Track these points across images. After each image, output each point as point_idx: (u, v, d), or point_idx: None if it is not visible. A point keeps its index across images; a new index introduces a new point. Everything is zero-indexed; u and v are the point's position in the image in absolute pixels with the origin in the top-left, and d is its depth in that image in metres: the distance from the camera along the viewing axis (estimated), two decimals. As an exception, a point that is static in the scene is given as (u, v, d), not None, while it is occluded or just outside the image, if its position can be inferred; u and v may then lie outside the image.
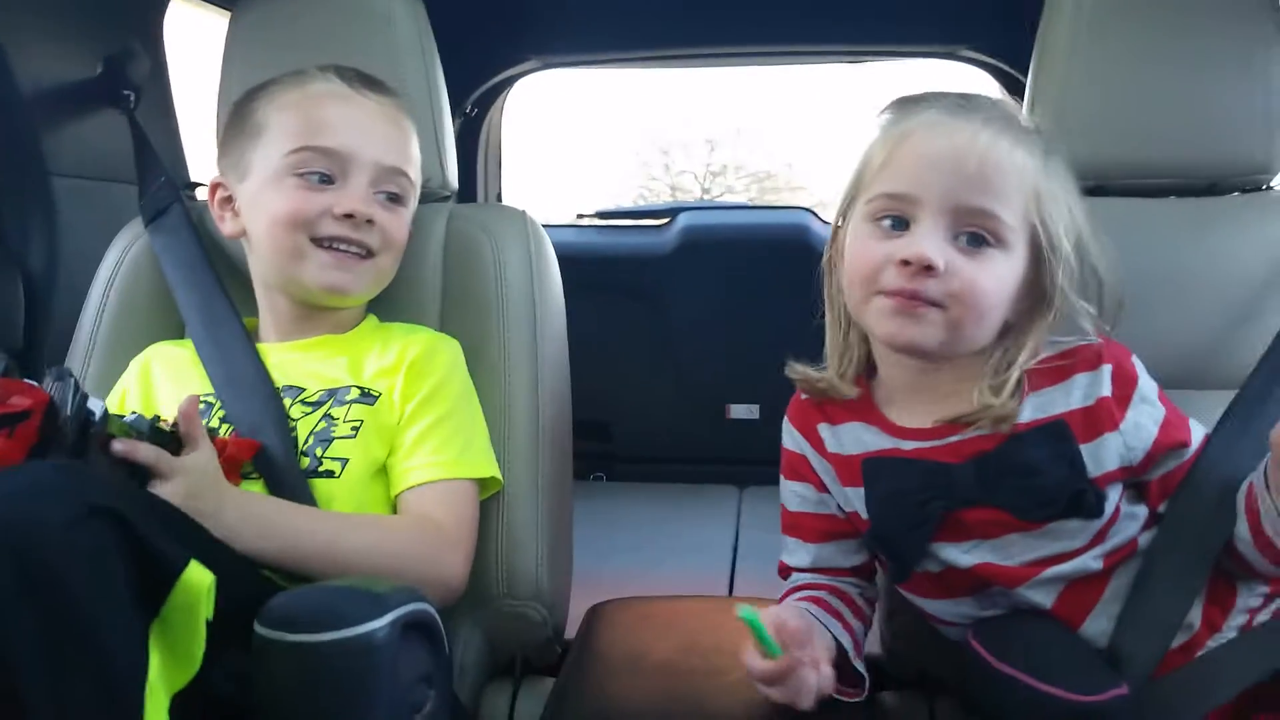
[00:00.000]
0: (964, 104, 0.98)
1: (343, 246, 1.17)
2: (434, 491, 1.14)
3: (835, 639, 1.03)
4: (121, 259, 1.34)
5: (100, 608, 0.75)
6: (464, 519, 1.15)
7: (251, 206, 1.20)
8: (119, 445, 0.94)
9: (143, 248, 1.33)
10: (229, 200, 1.23)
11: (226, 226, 1.23)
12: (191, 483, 0.97)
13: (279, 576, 1.02)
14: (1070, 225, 0.99)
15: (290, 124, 1.18)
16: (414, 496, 1.14)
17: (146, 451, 0.96)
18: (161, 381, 1.21)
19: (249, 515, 1.01)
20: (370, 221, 1.17)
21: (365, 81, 1.22)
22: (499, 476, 1.20)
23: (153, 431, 0.99)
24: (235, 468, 1.08)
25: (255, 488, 1.10)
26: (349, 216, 1.15)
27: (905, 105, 1.01)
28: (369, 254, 1.19)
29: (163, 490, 0.95)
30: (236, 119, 1.23)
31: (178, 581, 0.79)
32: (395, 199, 1.21)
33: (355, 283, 1.19)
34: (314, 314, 1.22)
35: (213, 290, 1.25)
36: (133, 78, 1.61)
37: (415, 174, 1.24)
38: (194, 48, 1.81)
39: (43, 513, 0.74)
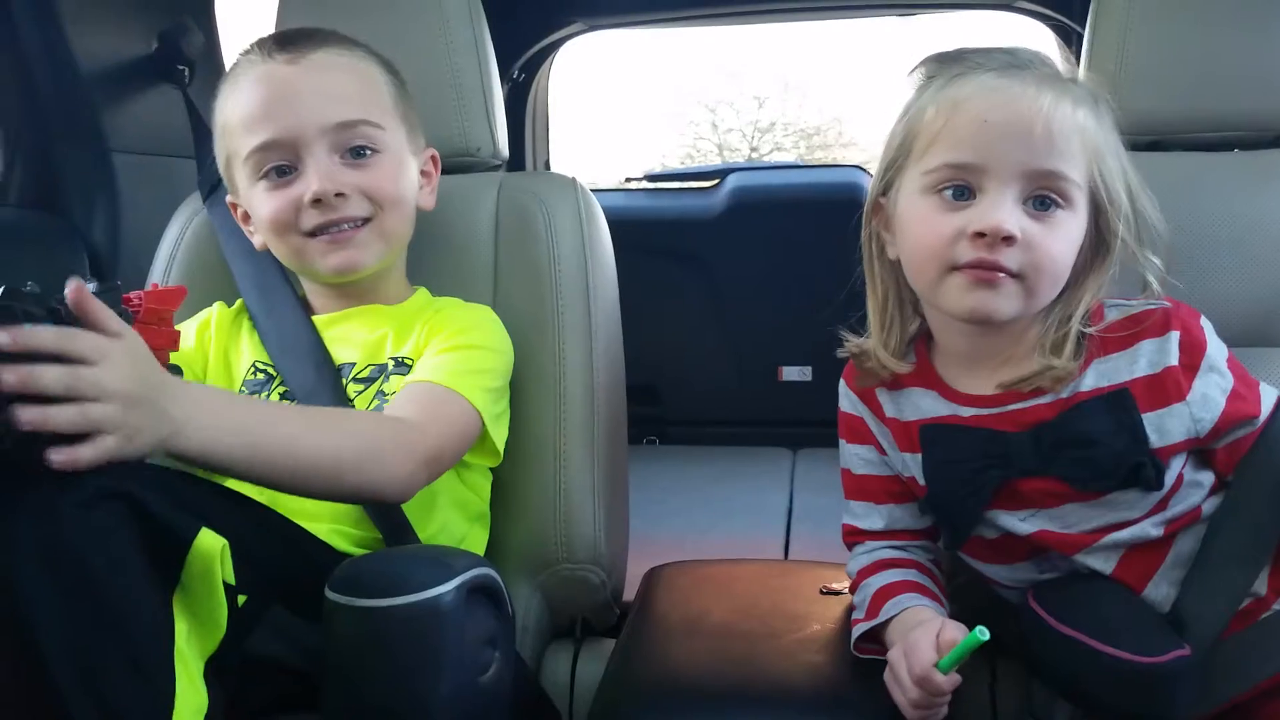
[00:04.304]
0: (1013, 62, 0.96)
1: (332, 229, 1.12)
2: (419, 390, 1.07)
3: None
4: (183, 233, 1.36)
5: (120, 582, 0.78)
6: (436, 422, 1.04)
7: (253, 219, 1.19)
8: (2, 336, 0.73)
9: (202, 221, 1.35)
10: (248, 216, 1.20)
11: (255, 240, 1.21)
12: (135, 366, 0.79)
13: (320, 529, 1.02)
14: (1121, 175, 0.98)
15: (237, 129, 1.14)
16: (401, 393, 1.08)
17: (47, 336, 0.75)
18: (217, 344, 1.21)
19: (199, 404, 0.85)
20: (341, 194, 1.11)
21: (285, 43, 1.14)
22: (496, 442, 1.13)
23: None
24: (166, 322, 0.93)
25: None
26: (319, 201, 1.10)
27: (947, 66, 0.98)
28: (365, 220, 1.14)
29: (97, 379, 0.76)
30: (217, 144, 1.20)
31: (190, 550, 0.81)
32: (365, 151, 1.14)
33: (361, 254, 1.14)
34: (352, 287, 1.19)
35: (266, 261, 1.24)
36: (186, 52, 1.63)
37: (382, 115, 1.16)
38: (246, 21, 1.82)
39: (57, 498, 0.77)
